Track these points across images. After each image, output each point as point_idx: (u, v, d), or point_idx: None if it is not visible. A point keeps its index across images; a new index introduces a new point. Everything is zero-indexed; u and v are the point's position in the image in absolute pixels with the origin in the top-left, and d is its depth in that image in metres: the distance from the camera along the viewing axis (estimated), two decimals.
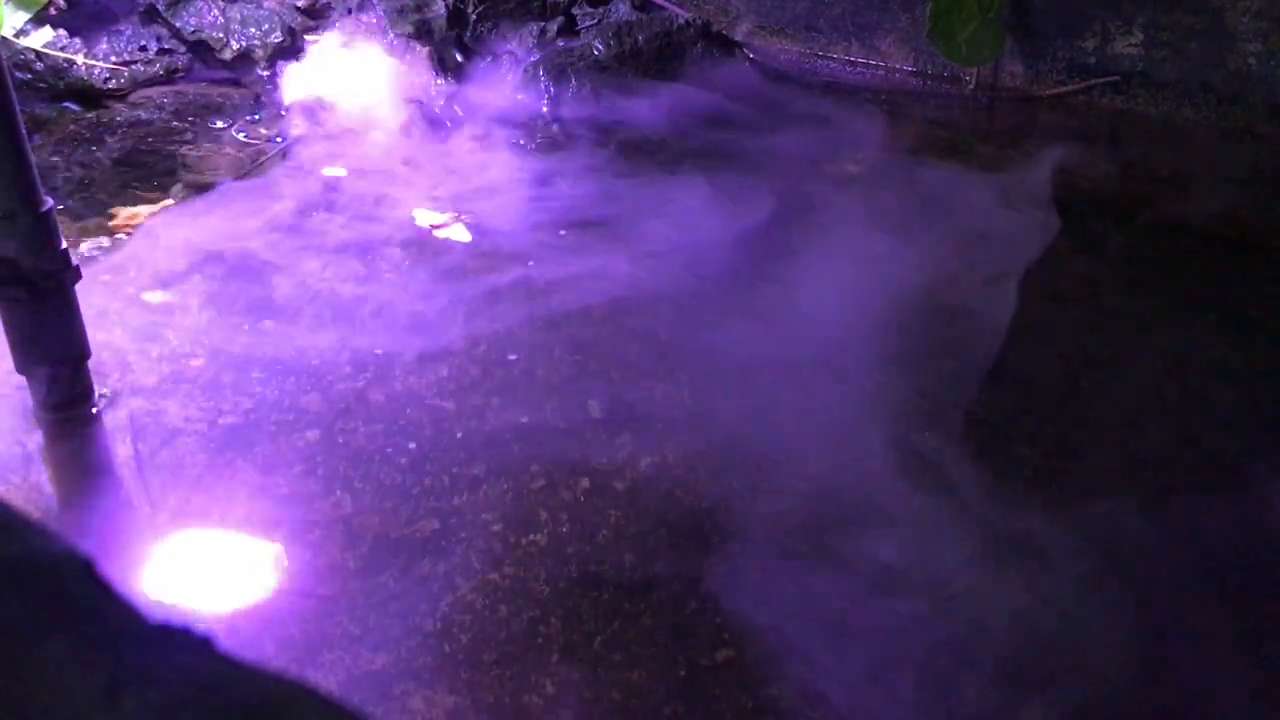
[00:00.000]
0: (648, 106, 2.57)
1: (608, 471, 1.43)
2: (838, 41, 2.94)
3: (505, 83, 2.67)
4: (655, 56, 2.77)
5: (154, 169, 2.25)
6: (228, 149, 2.36)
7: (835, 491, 1.41)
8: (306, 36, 2.76)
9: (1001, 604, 1.25)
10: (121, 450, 1.43)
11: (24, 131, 1.34)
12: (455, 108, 2.57)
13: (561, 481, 1.41)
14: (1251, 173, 2.38)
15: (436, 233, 2.01)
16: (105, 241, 1.93)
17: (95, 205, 2.08)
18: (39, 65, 2.49)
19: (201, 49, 2.73)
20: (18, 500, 1.33)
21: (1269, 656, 1.21)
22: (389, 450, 1.45)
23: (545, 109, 2.60)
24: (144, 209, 2.06)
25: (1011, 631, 1.21)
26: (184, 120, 2.49)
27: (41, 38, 2.47)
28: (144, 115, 2.50)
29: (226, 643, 0.34)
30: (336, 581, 1.25)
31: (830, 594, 1.25)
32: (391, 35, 2.68)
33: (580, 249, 1.96)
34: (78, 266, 1.43)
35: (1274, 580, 1.30)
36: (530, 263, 1.91)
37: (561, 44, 2.77)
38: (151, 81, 2.65)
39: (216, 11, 2.72)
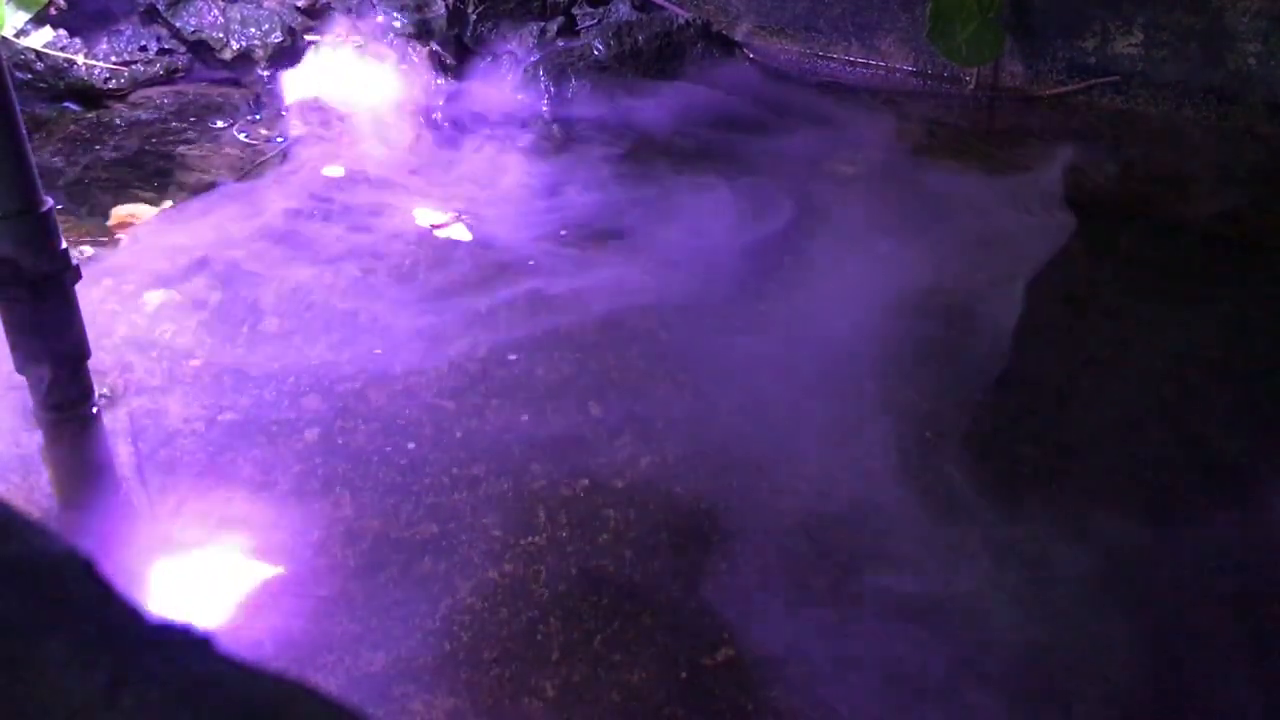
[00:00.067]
0: (647, 106, 2.57)
1: (606, 472, 1.43)
2: (838, 41, 2.94)
3: (505, 83, 2.67)
4: (655, 56, 2.77)
5: (154, 169, 2.25)
6: (228, 149, 2.36)
7: (835, 491, 1.41)
8: (306, 36, 2.76)
9: (1000, 603, 1.25)
10: (121, 450, 1.43)
11: (24, 131, 1.34)
12: (455, 107, 2.57)
13: (562, 481, 1.41)
14: (1251, 173, 2.38)
15: (437, 232, 2.01)
16: (105, 241, 1.93)
17: (95, 205, 2.08)
18: (39, 65, 2.49)
19: (201, 49, 2.73)
20: (18, 500, 1.33)
21: (1270, 657, 1.21)
22: (388, 449, 1.45)
23: (545, 109, 2.60)
24: (144, 209, 2.06)
25: (1011, 630, 1.21)
26: (184, 120, 2.49)
27: (41, 38, 2.47)
28: (144, 115, 2.50)
29: (226, 643, 0.34)
30: (336, 581, 1.25)
31: (830, 593, 1.25)
32: (391, 35, 2.68)
33: (582, 251, 1.96)
34: (78, 266, 1.43)
35: (1275, 580, 1.30)
36: (530, 262, 1.91)
37: (561, 44, 2.77)
38: (151, 81, 2.64)
39: (216, 11, 2.72)
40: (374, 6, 2.75)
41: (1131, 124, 2.60)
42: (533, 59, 2.70)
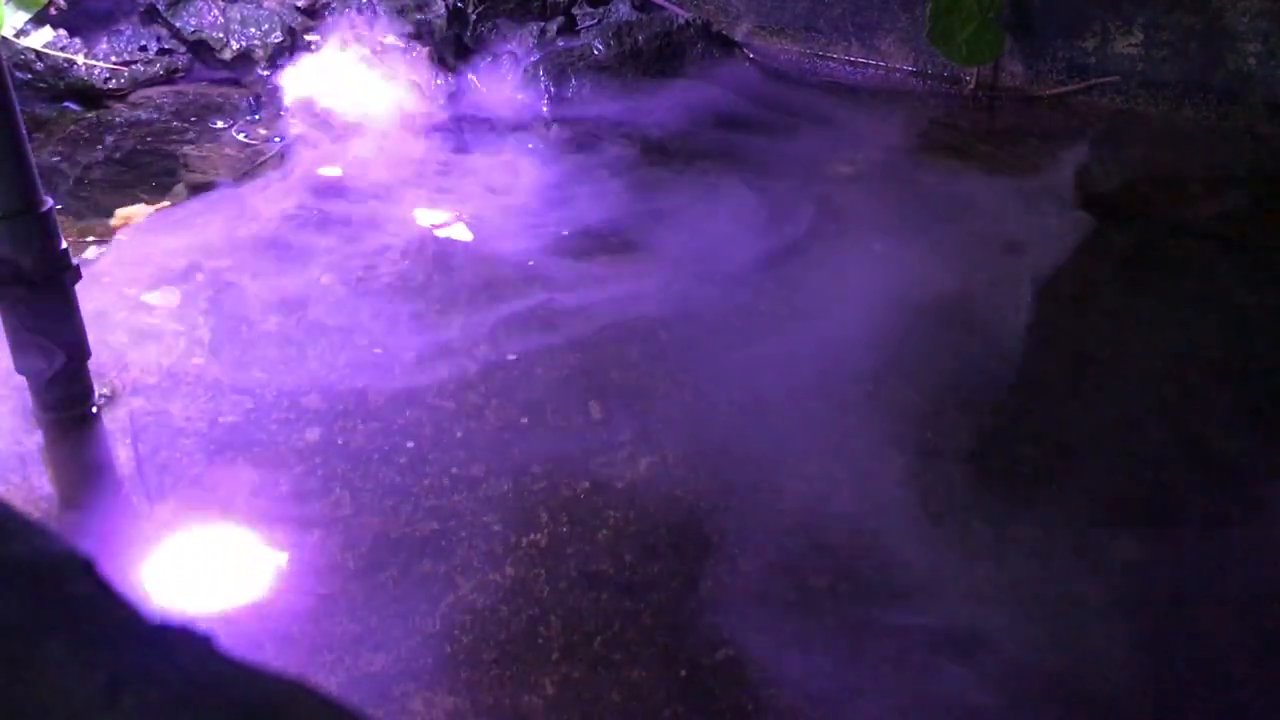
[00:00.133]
0: (648, 106, 2.57)
1: (607, 474, 1.43)
2: (838, 41, 2.94)
3: (505, 82, 2.67)
4: (655, 56, 2.77)
5: (154, 169, 2.25)
6: (228, 149, 2.36)
7: (834, 492, 1.41)
8: (307, 36, 2.76)
9: (1000, 603, 1.25)
10: (121, 450, 1.43)
11: (24, 131, 1.34)
12: (455, 107, 2.57)
13: (562, 483, 1.41)
14: (1251, 173, 2.38)
15: (437, 232, 2.01)
16: (105, 241, 1.93)
17: (95, 205, 2.08)
18: (39, 65, 2.49)
19: (201, 49, 2.73)
20: (18, 500, 1.33)
21: (1269, 657, 1.21)
22: (388, 449, 1.45)
23: (545, 109, 2.60)
24: (144, 209, 2.06)
25: (1012, 629, 1.21)
26: (184, 120, 2.49)
27: (41, 38, 2.47)
28: (144, 115, 2.50)
29: (226, 643, 0.34)
30: (336, 581, 1.25)
31: (830, 593, 1.25)
32: (391, 35, 2.68)
33: (584, 250, 1.96)
34: (78, 266, 1.43)
35: (1275, 581, 1.30)
36: (530, 262, 1.91)
37: (561, 44, 2.77)
38: (151, 81, 2.64)
39: (216, 11, 2.72)
40: (374, 6, 2.75)
41: (1131, 124, 2.60)
42: (533, 59, 2.70)
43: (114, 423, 1.48)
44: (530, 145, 2.41)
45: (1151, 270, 1.99)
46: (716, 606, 1.23)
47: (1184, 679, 1.17)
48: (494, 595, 1.23)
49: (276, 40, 2.72)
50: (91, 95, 2.55)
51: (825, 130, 2.51)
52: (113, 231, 1.97)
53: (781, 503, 1.39)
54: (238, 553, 1.29)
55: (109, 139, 2.38)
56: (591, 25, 2.83)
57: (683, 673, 1.15)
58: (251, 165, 2.27)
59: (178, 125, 2.46)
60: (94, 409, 1.49)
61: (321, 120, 2.44)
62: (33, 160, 1.35)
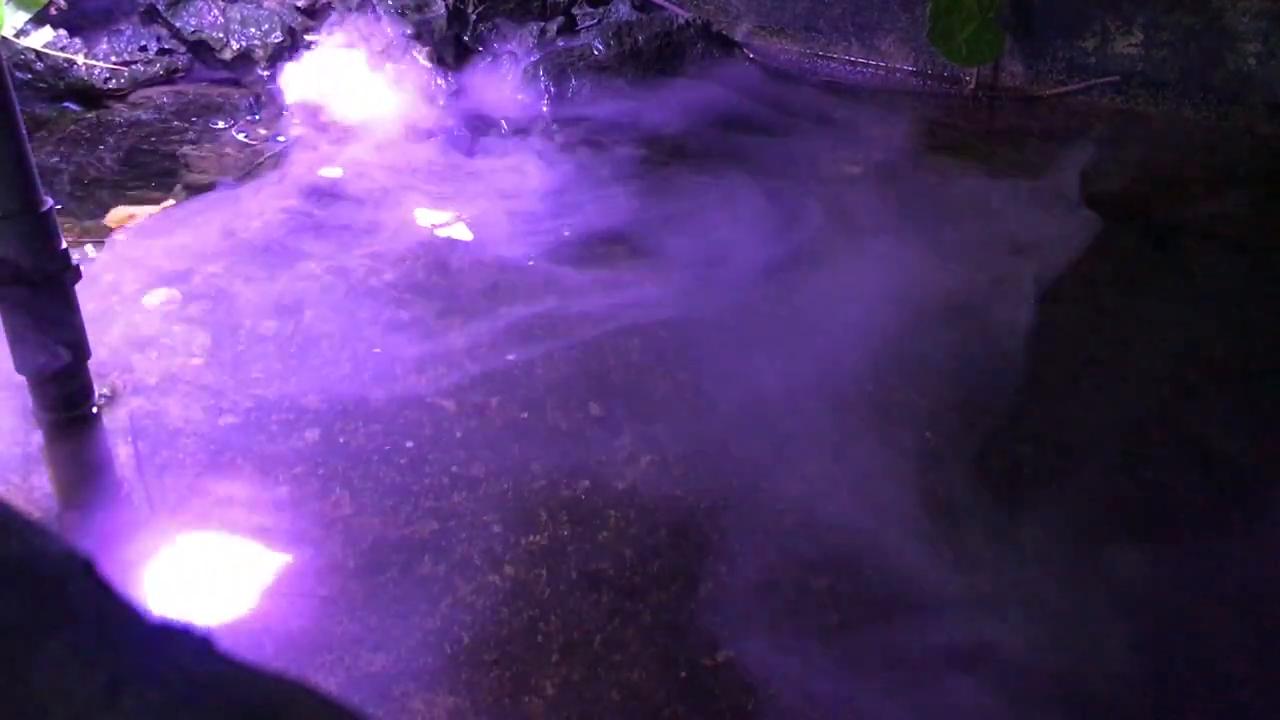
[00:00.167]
0: (648, 106, 2.57)
1: (607, 474, 1.43)
2: (838, 41, 2.94)
3: (505, 82, 2.67)
4: (655, 56, 2.77)
5: (154, 169, 2.25)
6: (228, 149, 2.36)
7: (834, 492, 1.41)
8: (307, 36, 2.76)
9: (1000, 603, 1.25)
10: (121, 450, 1.43)
11: (24, 131, 1.34)
12: (455, 107, 2.57)
13: (562, 483, 1.41)
14: (1251, 173, 2.38)
15: (438, 232, 2.01)
16: (105, 241, 1.93)
17: (95, 205, 2.08)
18: (39, 65, 2.49)
19: (201, 49, 2.73)
20: (18, 500, 1.33)
21: (1269, 657, 1.21)
22: (388, 449, 1.45)
23: (545, 108, 2.60)
24: (144, 209, 2.06)
25: (1010, 629, 1.21)
26: (184, 120, 2.49)
27: (41, 38, 2.47)
28: (144, 115, 2.50)
29: (226, 643, 0.34)
30: (336, 581, 1.25)
31: (829, 593, 1.25)
32: (391, 35, 2.68)
33: (585, 254, 1.96)
34: (78, 266, 1.43)
35: (1275, 581, 1.30)
36: (530, 262, 1.91)
37: (561, 44, 2.77)
38: (151, 81, 2.65)
39: (216, 11, 2.72)
40: (374, 6, 2.75)
41: (1131, 124, 2.60)
42: (533, 59, 2.70)
43: (114, 423, 1.48)
44: (530, 145, 2.41)
45: (1151, 270, 1.99)
46: (716, 606, 1.23)
47: (1184, 679, 1.17)
48: (494, 595, 1.23)
49: (276, 40, 2.72)
50: (91, 95, 2.55)
51: (826, 130, 2.51)
52: (112, 231, 1.97)
53: (781, 503, 1.39)
54: (238, 553, 1.29)
55: (109, 139, 2.38)
56: (591, 25, 2.83)
57: (682, 673, 1.15)
58: (251, 165, 2.27)
59: (178, 125, 2.46)
60: (94, 409, 1.49)
61: (321, 120, 2.44)
62: (33, 160, 1.35)
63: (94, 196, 2.12)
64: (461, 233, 2.01)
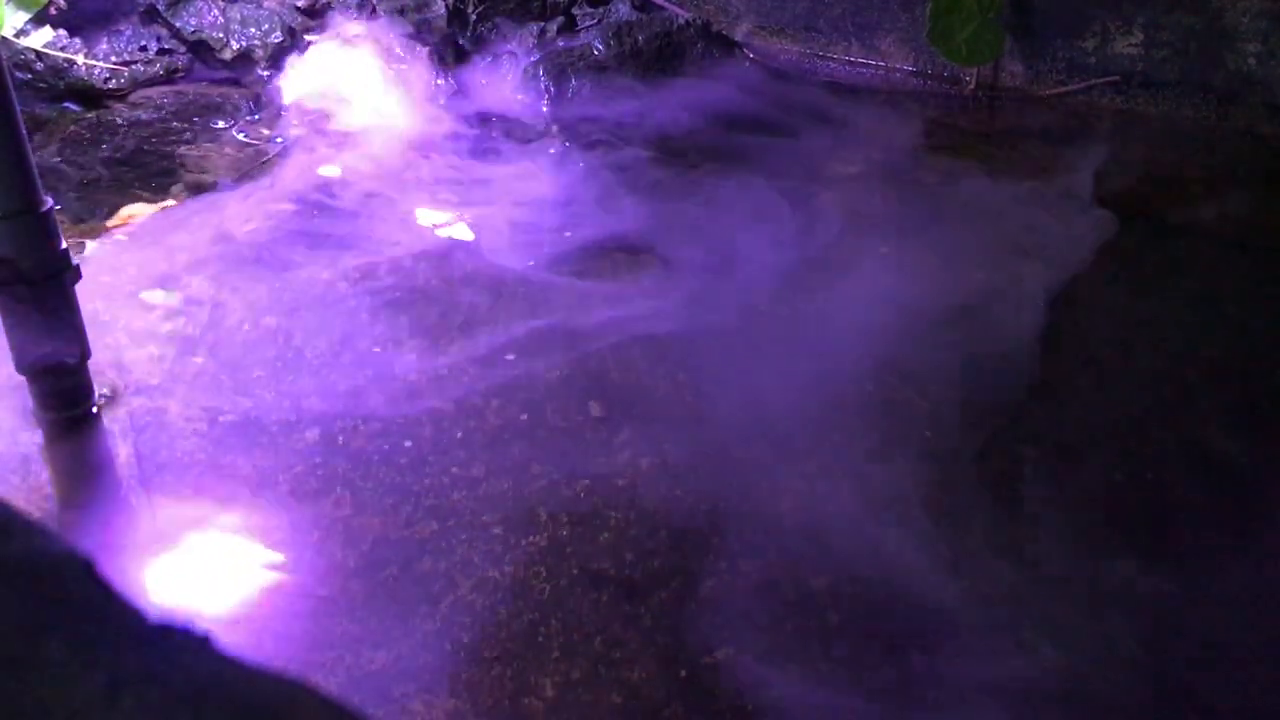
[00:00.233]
0: (647, 106, 2.57)
1: (608, 476, 1.43)
2: (838, 41, 2.94)
3: (505, 82, 2.67)
4: (655, 56, 2.77)
5: (154, 169, 2.25)
6: (228, 149, 2.36)
7: (834, 493, 1.41)
8: (306, 36, 2.76)
9: (1000, 603, 1.25)
10: (121, 450, 1.43)
11: (24, 131, 1.34)
12: (455, 107, 2.57)
13: (565, 483, 1.41)
14: (1251, 173, 2.38)
15: (438, 232, 2.01)
16: (105, 241, 1.93)
17: (95, 205, 2.08)
18: (39, 65, 2.49)
19: (201, 49, 2.73)
20: (18, 500, 1.33)
21: (1269, 657, 1.21)
22: (388, 448, 1.45)
23: (545, 108, 2.60)
24: (144, 209, 2.06)
25: (1010, 629, 1.21)
26: (184, 120, 2.49)
27: (41, 38, 2.47)
28: (144, 115, 2.50)
29: (226, 643, 0.34)
30: (336, 581, 1.25)
31: (829, 593, 1.25)
32: (391, 35, 2.68)
33: (586, 254, 1.96)
34: (78, 266, 1.43)
35: (1275, 581, 1.30)
36: (530, 262, 1.91)
37: (561, 44, 2.77)
38: (151, 81, 2.65)
39: (216, 11, 2.72)
40: (374, 6, 2.75)
41: (1131, 124, 2.60)
42: (533, 59, 2.70)
43: (114, 423, 1.48)
44: (530, 144, 2.41)
45: (1151, 270, 1.99)
46: (716, 606, 1.23)
47: (1184, 679, 1.17)
48: (494, 595, 1.23)
49: (276, 40, 2.72)
50: (91, 95, 2.55)
51: (826, 130, 2.51)
52: (112, 231, 1.97)
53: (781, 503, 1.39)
54: (238, 552, 1.29)
55: (109, 139, 2.38)
56: (591, 25, 2.84)
57: (682, 673, 1.15)
58: (251, 165, 2.27)
59: (178, 125, 2.46)
60: (94, 409, 1.49)
61: (321, 120, 2.44)
62: (33, 160, 1.35)
63: (94, 196, 2.12)
64: (462, 233, 2.01)
